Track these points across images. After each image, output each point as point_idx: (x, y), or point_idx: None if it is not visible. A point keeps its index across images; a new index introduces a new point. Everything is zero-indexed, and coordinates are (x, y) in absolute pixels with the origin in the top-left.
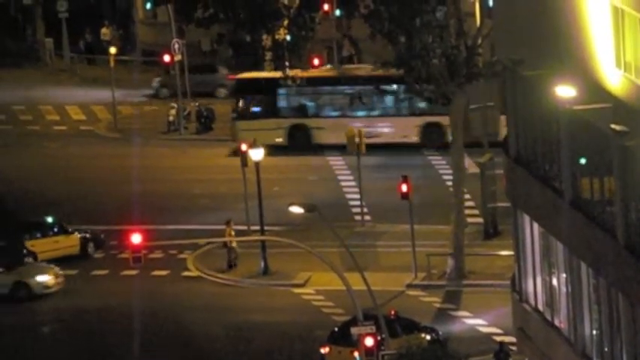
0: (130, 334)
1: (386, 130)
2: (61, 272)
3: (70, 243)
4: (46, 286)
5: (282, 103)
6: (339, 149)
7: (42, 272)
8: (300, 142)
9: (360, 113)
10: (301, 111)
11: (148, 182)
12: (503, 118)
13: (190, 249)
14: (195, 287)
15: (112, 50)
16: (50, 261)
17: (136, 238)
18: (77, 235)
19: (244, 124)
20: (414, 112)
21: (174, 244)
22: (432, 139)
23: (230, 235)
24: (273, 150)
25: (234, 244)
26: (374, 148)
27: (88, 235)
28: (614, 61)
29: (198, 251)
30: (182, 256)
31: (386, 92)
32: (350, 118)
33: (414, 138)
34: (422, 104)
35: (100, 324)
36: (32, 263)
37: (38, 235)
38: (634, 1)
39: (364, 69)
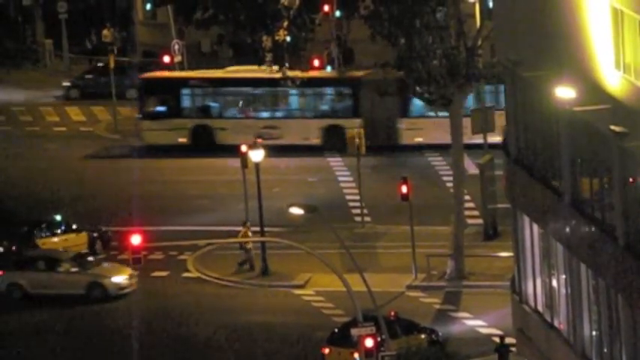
0: (129, 334)
1: (288, 132)
2: (135, 273)
3: (79, 241)
4: (120, 287)
5: (186, 103)
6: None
7: (117, 273)
8: (203, 143)
9: (264, 115)
10: (205, 111)
11: (147, 183)
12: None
13: (190, 250)
14: (196, 288)
15: (112, 51)
16: None
17: (136, 239)
18: (85, 233)
19: (149, 124)
20: (317, 115)
21: (174, 245)
22: (334, 141)
23: (246, 235)
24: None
25: (249, 245)
26: (275, 150)
27: (95, 234)
28: (613, 63)
29: (198, 252)
30: (182, 257)
31: (290, 94)
32: (253, 120)
33: (316, 140)
34: (324, 106)
35: (99, 325)
36: (107, 263)
37: (48, 233)
38: (633, 3)
39: (266, 71)
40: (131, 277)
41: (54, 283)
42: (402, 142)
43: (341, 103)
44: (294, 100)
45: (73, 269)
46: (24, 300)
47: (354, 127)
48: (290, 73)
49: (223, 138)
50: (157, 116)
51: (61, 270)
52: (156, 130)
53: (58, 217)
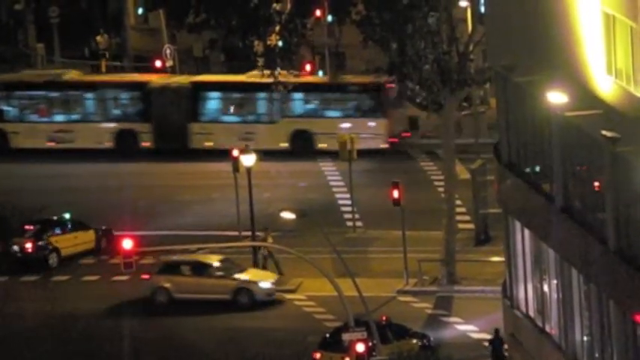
0: (120, 339)
1: (81, 136)
2: (279, 278)
3: (87, 238)
4: (267, 293)
5: None
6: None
7: (264, 278)
8: None
9: (57, 118)
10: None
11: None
12: None
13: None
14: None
15: (104, 56)
16: (70, 257)
17: (127, 244)
18: (93, 231)
19: None
20: (109, 119)
21: (165, 250)
22: (126, 146)
23: (267, 241)
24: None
25: (265, 251)
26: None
27: (100, 232)
28: (605, 68)
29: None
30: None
31: (83, 98)
32: (46, 124)
33: (108, 144)
34: (117, 111)
35: (91, 329)
36: (253, 269)
37: (58, 231)
38: (625, 8)
39: (71, 74)
40: (276, 282)
41: (201, 288)
42: (192, 146)
43: (132, 107)
44: (87, 104)
45: (220, 274)
46: (170, 305)
47: (144, 132)
48: (94, 77)
49: (17, 142)
50: None
51: (208, 275)
52: None
53: (67, 215)
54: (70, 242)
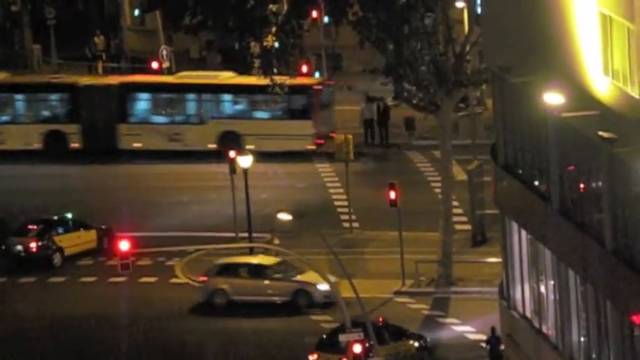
0: (117, 341)
1: (10, 137)
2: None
3: (89, 238)
4: (326, 295)
5: None
6: None
7: (322, 280)
8: None
9: None
10: None
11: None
12: None
13: (179, 256)
14: (183, 294)
15: (101, 57)
16: (74, 256)
17: (124, 245)
18: (95, 230)
19: None
20: (38, 120)
21: (162, 251)
22: (55, 147)
23: (273, 243)
24: None
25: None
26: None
27: (101, 232)
28: (602, 69)
29: (186, 258)
30: (170, 263)
31: (13, 99)
32: None
33: (37, 145)
34: (45, 112)
35: (87, 331)
36: (311, 271)
37: (61, 230)
38: (622, 9)
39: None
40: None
41: (259, 290)
42: (121, 147)
43: (61, 108)
44: (16, 106)
45: (278, 276)
46: (228, 307)
47: (73, 133)
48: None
49: None
50: None
51: (266, 277)
52: None
53: (69, 215)
54: (73, 241)
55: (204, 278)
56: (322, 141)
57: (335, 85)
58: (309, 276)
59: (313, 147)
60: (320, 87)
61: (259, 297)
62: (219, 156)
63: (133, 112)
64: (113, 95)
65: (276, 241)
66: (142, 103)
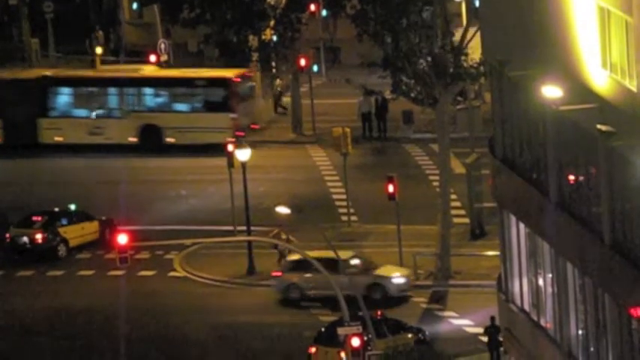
0: (115, 334)
1: None
2: (408, 273)
3: (92, 229)
4: (401, 288)
5: None
6: None
7: (398, 274)
8: None
9: None
10: None
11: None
12: None
13: (177, 249)
14: (182, 287)
15: (99, 50)
16: (78, 247)
17: (123, 239)
18: (97, 221)
19: None
20: None
21: (161, 245)
22: None
23: (279, 236)
24: None
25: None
26: None
27: (103, 223)
28: (600, 62)
29: (184, 252)
30: (169, 256)
31: None
32: None
33: None
34: None
35: (86, 324)
36: (386, 265)
37: (65, 222)
38: (620, 2)
39: None
40: (408, 277)
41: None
42: (42, 141)
43: None
44: None
45: (352, 270)
46: (303, 301)
47: None
48: None
49: None
50: None
51: (341, 271)
52: None
53: (73, 207)
54: (77, 233)
55: (279, 273)
56: (242, 133)
57: (334, 80)
58: (384, 270)
59: (233, 139)
60: (238, 79)
61: (333, 291)
62: (138, 149)
63: (54, 105)
64: (34, 89)
65: (284, 236)
66: (63, 97)
